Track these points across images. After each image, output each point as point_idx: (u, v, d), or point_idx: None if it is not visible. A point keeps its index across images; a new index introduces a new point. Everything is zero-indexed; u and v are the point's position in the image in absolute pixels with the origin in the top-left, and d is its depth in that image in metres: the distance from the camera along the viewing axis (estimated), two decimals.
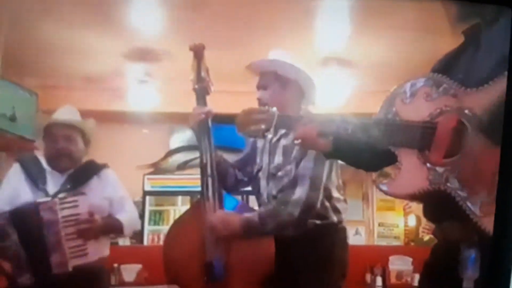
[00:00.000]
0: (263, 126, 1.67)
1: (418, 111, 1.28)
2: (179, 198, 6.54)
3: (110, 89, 5.84)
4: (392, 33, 4.75)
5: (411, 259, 4.55)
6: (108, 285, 3.23)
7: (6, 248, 2.36)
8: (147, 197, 6.39)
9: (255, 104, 2.26)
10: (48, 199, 2.45)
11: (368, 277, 4.69)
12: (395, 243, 6.32)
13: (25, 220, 2.39)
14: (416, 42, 4.67)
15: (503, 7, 1.28)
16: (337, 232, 2.20)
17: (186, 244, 2.22)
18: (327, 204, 2.15)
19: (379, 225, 6.51)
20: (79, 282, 2.38)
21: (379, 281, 4.66)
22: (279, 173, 2.18)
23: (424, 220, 5.26)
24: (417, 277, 4.38)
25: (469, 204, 1.16)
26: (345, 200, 2.24)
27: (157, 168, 6.60)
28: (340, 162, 2.10)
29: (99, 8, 4.35)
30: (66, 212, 2.42)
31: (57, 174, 2.58)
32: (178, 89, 5.54)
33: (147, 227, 6.33)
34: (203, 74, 2.29)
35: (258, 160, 2.33)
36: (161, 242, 5.93)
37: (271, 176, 2.22)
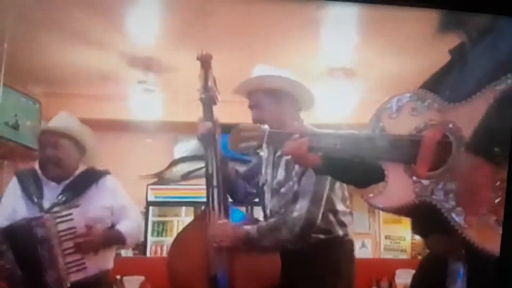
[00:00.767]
0: (254, 143, 1.69)
1: (404, 125, 1.32)
2: (183, 208, 6.49)
3: (113, 97, 5.83)
4: (398, 44, 4.74)
5: None
6: None
7: (0, 267, 2.30)
8: (150, 208, 6.35)
9: None
10: (41, 214, 2.38)
11: None
12: (402, 256, 6.27)
13: (19, 238, 2.32)
14: (422, 52, 4.64)
15: (495, 19, 1.33)
16: (343, 245, 2.18)
17: (191, 256, 2.19)
18: (332, 218, 2.13)
19: (385, 238, 6.46)
20: None
21: None
22: (282, 190, 2.18)
23: None
24: None
25: (453, 215, 1.18)
26: (351, 213, 2.22)
27: (160, 178, 6.56)
28: None
29: (103, 17, 4.34)
30: (62, 227, 2.35)
31: (54, 185, 2.51)
32: (182, 98, 5.57)
33: (150, 238, 6.27)
34: (210, 83, 2.28)
35: (263, 172, 2.31)
36: (164, 254, 5.94)
37: (275, 191, 2.21)
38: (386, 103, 1.37)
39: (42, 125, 2.65)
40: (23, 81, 5.38)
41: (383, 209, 1.32)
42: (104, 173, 2.61)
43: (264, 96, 2.22)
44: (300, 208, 2.05)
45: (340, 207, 2.15)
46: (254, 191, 2.37)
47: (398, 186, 1.27)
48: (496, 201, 1.13)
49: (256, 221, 2.25)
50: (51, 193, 2.48)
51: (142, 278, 4.43)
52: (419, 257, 5.97)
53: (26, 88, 5.41)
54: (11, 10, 3.99)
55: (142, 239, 2.65)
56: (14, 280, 2.30)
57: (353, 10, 4.28)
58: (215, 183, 2.21)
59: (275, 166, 2.23)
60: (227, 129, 1.96)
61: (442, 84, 1.38)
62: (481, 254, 1.11)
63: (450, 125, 1.24)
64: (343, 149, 1.42)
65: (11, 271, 2.29)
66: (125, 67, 5.31)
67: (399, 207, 1.26)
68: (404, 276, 4.57)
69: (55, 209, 2.41)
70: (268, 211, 2.24)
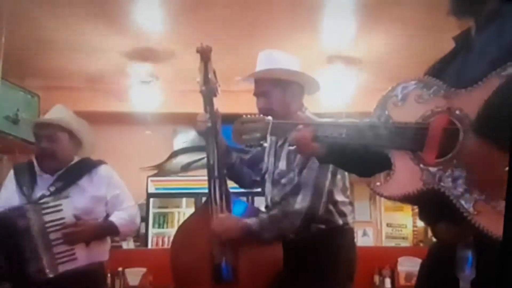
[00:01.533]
0: (257, 135, 1.67)
1: (410, 113, 1.30)
2: (184, 200, 6.49)
3: (113, 90, 5.81)
4: (398, 31, 4.73)
5: (420, 260, 4.44)
6: None
7: None
8: (151, 199, 6.34)
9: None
10: (23, 204, 2.36)
11: (376, 278, 4.62)
12: (404, 244, 6.28)
13: (1, 228, 2.31)
14: (422, 39, 4.63)
15: (502, 4, 1.30)
16: (343, 233, 2.18)
17: (194, 248, 2.18)
18: (331, 208, 2.13)
19: (387, 225, 6.47)
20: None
21: (387, 282, 4.60)
22: (282, 180, 2.17)
23: None
24: None
25: (462, 202, 1.17)
26: (350, 203, 2.22)
27: (161, 170, 6.56)
28: None
29: (102, 9, 4.32)
30: (49, 217, 2.34)
31: (47, 177, 2.50)
32: (181, 89, 5.56)
33: (151, 230, 6.29)
34: (210, 76, 2.27)
35: (265, 159, 2.32)
36: (166, 245, 5.94)
37: (275, 181, 2.21)
38: (391, 91, 1.34)
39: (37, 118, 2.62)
40: (21, 75, 5.36)
41: (390, 198, 1.30)
42: (98, 163, 2.58)
43: (272, 85, 2.22)
44: (302, 200, 2.05)
45: (339, 197, 2.15)
46: (258, 178, 2.37)
47: (405, 174, 1.26)
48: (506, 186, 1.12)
49: (258, 211, 2.25)
50: (43, 184, 2.47)
51: (144, 269, 4.42)
52: (421, 245, 5.98)
53: (24, 82, 5.39)
54: (9, 4, 3.97)
55: (138, 229, 2.58)
56: None
57: None
58: (216, 173, 2.20)
59: (277, 157, 2.23)
60: (229, 119, 1.95)
61: (447, 71, 1.37)
62: (491, 240, 1.10)
63: (457, 112, 1.23)
64: (349, 138, 1.41)
65: None
66: (124, 59, 5.29)
67: (406, 195, 1.25)
68: (406, 264, 4.56)
69: (44, 200, 2.39)
70: (269, 201, 2.25)
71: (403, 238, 6.43)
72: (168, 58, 5.32)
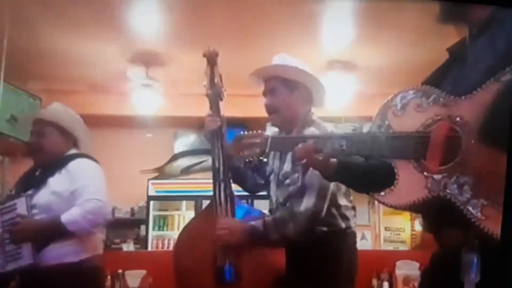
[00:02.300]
0: (257, 150, 1.69)
1: (410, 122, 1.31)
2: (184, 203, 6.51)
3: (114, 93, 5.83)
4: (396, 36, 4.74)
5: (418, 264, 4.50)
6: None
7: None
8: (151, 202, 6.36)
9: (263, 107, 2.27)
10: None
11: (374, 282, 4.65)
12: (402, 247, 6.28)
13: None
14: (420, 44, 4.65)
15: (496, 10, 1.31)
16: (345, 237, 2.19)
17: (198, 250, 2.20)
18: (334, 211, 2.14)
19: (385, 229, 6.47)
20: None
21: (386, 286, 4.62)
22: (286, 181, 2.18)
23: None
24: None
25: (469, 208, 1.17)
26: (353, 208, 2.24)
27: (161, 173, 6.58)
28: None
29: (103, 12, 4.34)
30: (6, 217, 2.41)
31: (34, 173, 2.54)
32: (182, 93, 5.58)
33: (151, 232, 6.30)
34: (216, 80, 2.31)
35: (270, 162, 2.33)
36: (166, 248, 5.96)
37: (280, 183, 2.22)
38: (390, 100, 1.36)
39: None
40: (24, 78, 5.38)
41: (395, 207, 1.31)
42: (74, 157, 2.51)
43: (280, 83, 2.23)
44: (307, 203, 2.05)
45: (342, 201, 2.16)
46: (263, 182, 2.39)
47: (409, 182, 1.27)
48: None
49: (261, 214, 2.27)
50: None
51: (143, 272, 4.43)
52: (419, 249, 5.98)
53: (26, 85, 5.41)
54: (11, 7, 4.00)
55: (100, 224, 2.40)
56: None
57: (352, 3, 4.29)
58: (221, 176, 2.23)
59: (282, 159, 2.24)
60: (234, 123, 1.97)
61: (443, 83, 1.37)
62: (498, 244, 1.12)
63: (458, 119, 1.24)
64: (349, 149, 1.41)
65: None
66: (125, 62, 5.31)
67: (411, 203, 1.25)
68: (404, 267, 4.58)
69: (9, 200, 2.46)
70: (274, 202, 2.26)
71: (402, 242, 6.43)
72: (169, 61, 5.34)
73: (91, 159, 2.55)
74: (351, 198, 2.21)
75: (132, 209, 6.45)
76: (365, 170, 1.45)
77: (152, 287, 4.35)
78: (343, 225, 2.16)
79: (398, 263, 4.62)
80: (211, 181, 2.28)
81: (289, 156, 2.19)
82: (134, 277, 4.43)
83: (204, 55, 2.29)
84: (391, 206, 1.32)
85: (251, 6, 4.34)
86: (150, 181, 6.34)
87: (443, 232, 1.33)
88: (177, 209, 6.58)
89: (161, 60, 5.33)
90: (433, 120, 1.28)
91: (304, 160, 1.58)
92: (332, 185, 2.09)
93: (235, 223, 2.17)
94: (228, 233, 2.11)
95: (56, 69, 5.44)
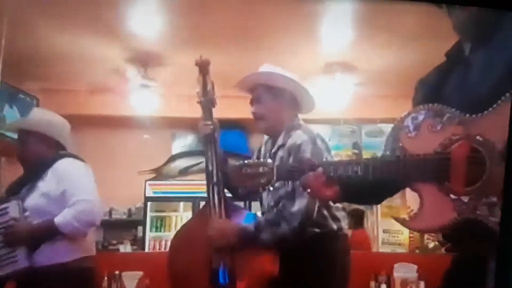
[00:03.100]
0: (262, 181, 1.61)
1: (425, 143, 1.28)
2: (181, 204, 6.51)
3: (111, 93, 5.82)
4: (395, 38, 4.74)
5: (416, 267, 4.48)
6: None
7: None
8: (149, 203, 6.35)
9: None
10: None
11: (372, 284, 4.63)
12: (400, 250, 6.27)
13: None
14: (419, 47, 4.65)
15: (502, 15, 1.27)
16: (338, 238, 2.22)
17: (192, 252, 2.21)
18: (325, 213, 2.17)
19: (383, 231, 6.46)
20: None
21: None
22: (276, 184, 2.17)
23: None
24: (422, 285, 4.34)
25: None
26: (343, 209, 2.27)
27: (159, 174, 6.57)
28: None
29: (101, 13, 4.33)
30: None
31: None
32: (180, 94, 5.56)
33: (148, 234, 6.30)
34: (208, 88, 2.33)
35: None
36: (163, 249, 5.95)
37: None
38: (400, 122, 1.31)
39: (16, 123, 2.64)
40: (21, 78, 5.37)
41: (425, 231, 1.31)
42: (59, 157, 2.49)
43: (265, 91, 2.28)
44: (299, 203, 2.06)
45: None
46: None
47: (435, 206, 1.25)
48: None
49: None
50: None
51: (140, 273, 4.41)
52: (417, 251, 5.98)
53: (23, 84, 5.40)
54: (9, 7, 3.98)
55: (92, 224, 2.35)
56: None
57: (350, 4, 4.29)
58: (215, 179, 2.25)
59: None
60: (227, 125, 1.97)
61: (445, 89, 1.35)
62: None
63: (478, 137, 1.21)
64: (365, 175, 1.36)
65: None
66: (123, 63, 5.30)
67: (440, 226, 1.24)
68: (402, 270, 4.56)
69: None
70: (265, 206, 2.28)
71: (400, 244, 6.42)
72: (168, 62, 5.33)
73: (77, 158, 2.53)
74: None
75: (129, 210, 6.44)
76: (369, 187, 1.42)
77: None
78: (335, 226, 2.19)
79: (396, 265, 4.60)
80: None
81: (277, 158, 2.20)
82: (131, 278, 4.41)
83: (196, 64, 2.32)
84: (419, 231, 1.30)
85: (249, 7, 4.34)
86: (148, 182, 6.32)
87: (468, 242, 1.31)
88: (175, 210, 6.58)
89: (159, 61, 5.33)
90: (450, 140, 1.24)
91: (309, 190, 1.52)
92: None
93: (226, 224, 2.18)
94: (219, 234, 2.13)
95: (53, 69, 5.42)
